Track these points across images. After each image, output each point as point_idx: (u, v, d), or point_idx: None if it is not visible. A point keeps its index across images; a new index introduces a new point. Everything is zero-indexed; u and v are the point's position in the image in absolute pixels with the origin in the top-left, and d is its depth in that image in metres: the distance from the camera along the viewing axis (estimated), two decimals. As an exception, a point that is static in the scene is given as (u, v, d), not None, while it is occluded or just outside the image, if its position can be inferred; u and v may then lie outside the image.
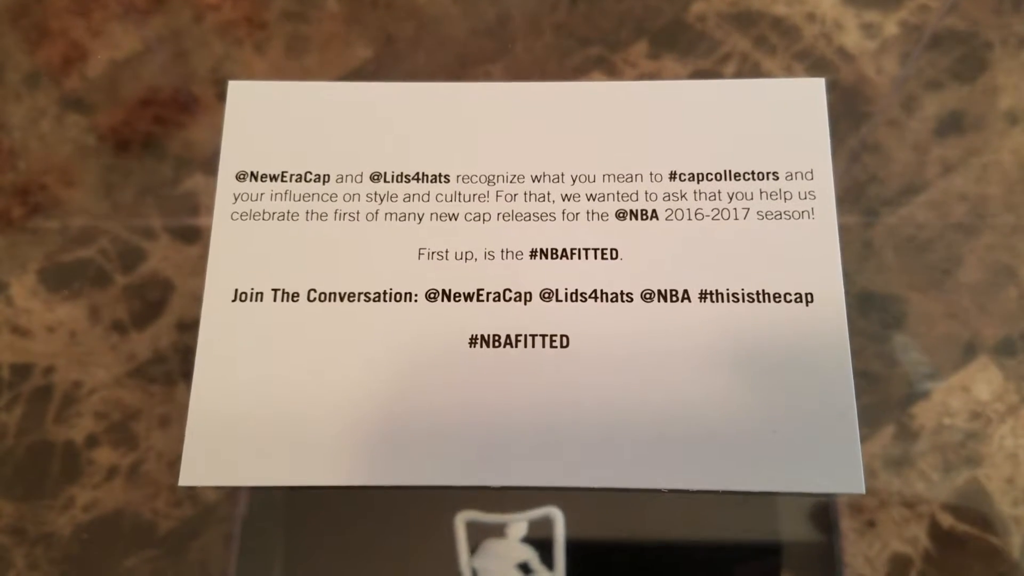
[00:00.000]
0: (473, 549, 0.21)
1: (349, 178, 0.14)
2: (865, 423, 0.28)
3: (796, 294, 0.14)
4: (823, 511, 0.26)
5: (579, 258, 0.13)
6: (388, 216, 0.14)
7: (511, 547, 0.21)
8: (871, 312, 0.29)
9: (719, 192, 0.14)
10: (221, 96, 0.31)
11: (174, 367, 0.29)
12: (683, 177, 0.14)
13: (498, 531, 0.21)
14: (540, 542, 0.21)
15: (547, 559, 0.21)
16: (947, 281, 0.30)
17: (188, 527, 0.28)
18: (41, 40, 0.33)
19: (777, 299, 0.14)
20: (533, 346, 0.13)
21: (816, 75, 0.33)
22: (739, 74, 0.33)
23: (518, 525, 0.21)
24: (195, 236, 0.31)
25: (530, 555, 0.21)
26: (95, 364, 0.29)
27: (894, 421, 0.28)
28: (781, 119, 0.15)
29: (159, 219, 0.31)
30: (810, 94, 0.15)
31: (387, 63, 0.33)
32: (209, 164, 0.31)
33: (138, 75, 0.33)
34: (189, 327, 0.30)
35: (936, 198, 0.31)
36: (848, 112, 0.32)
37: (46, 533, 0.27)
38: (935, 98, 0.32)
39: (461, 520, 0.21)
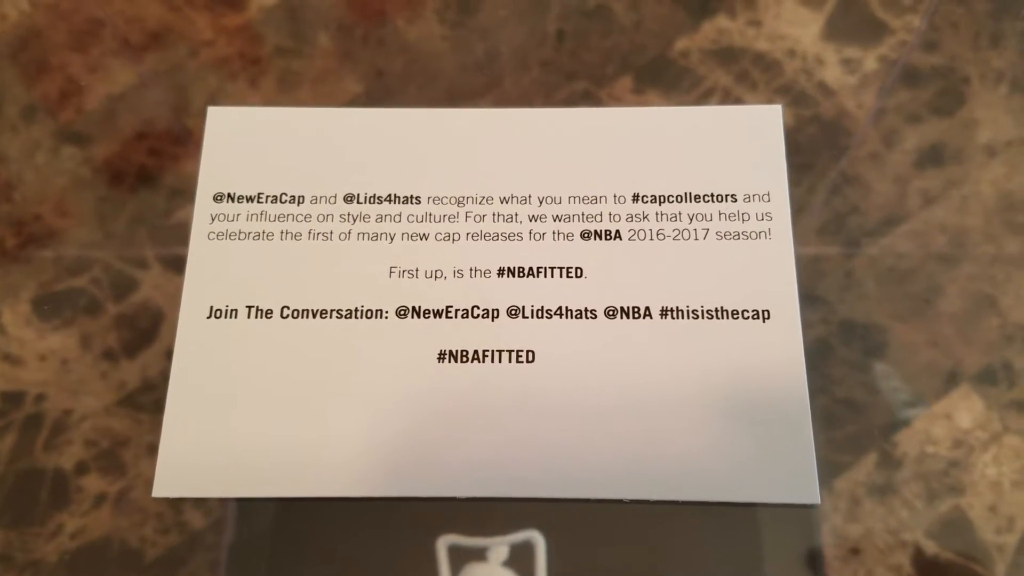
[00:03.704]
0: (455, 574, 0.21)
1: (323, 199, 0.14)
2: (848, 451, 0.28)
3: (753, 311, 0.14)
4: (812, 559, 0.26)
5: (545, 276, 0.14)
6: (360, 236, 0.14)
7: (493, 572, 0.21)
8: (853, 341, 0.29)
9: (680, 213, 0.15)
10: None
11: (163, 395, 0.29)
12: (645, 199, 0.15)
13: (479, 555, 0.21)
14: (522, 566, 0.21)
15: (529, 584, 0.21)
16: (928, 311, 0.30)
17: (175, 554, 0.28)
18: (39, 75, 0.34)
19: (735, 316, 0.14)
20: (500, 361, 0.13)
21: (797, 109, 0.33)
22: (723, 108, 0.33)
23: (499, 549, 0.21)
24: (186, 265, 0.31)
25: (512, 580, 0.21)
26: (85, 392, 0.30)
27: (877, 449, 0.28)
28: (739, 144, 0.15)
29: (151, 249, 0.31)
30: (767, 120, 0.15)
31: (378, 97, 0.33)
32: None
33: (133, 109, 0.33)
34: (179, 356, 0.30)
35: (917, 229, 0.31)
36: (829, 145, 0.32)
37: (33, 560, 0.28)
38: (915, 131, 0.33)
39: (443, 544, 0.21)
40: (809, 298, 0.31)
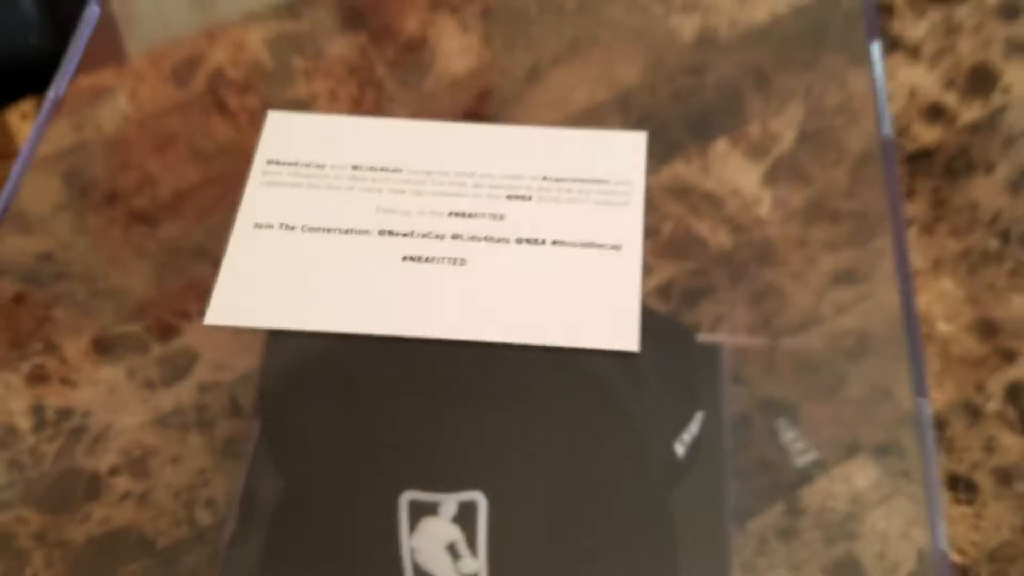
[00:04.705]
0: (412, 526, 0.26)
1: (337, 166, 0.21)
2: (760, 500, 0.33)
3: (611, 244, 0.20)
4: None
5: (478, 218, 0.20)
6: (360, 189, 0.21)
7: (442, 527, 0.26)
8: (770, 413, 0.35)
9: (572, 187, 0.21)
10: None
11: (190, 419, 0.35)
12: (551, 179, 0.21)
13: (432, 510, 0.26)
14: (466, 523, 0.25)
15: (472, 543, 0.26)
16: (835, 395, 0.36)
17: (182, 545, 0.33)
18: (123, 170, 0.42)
19: (599, 247, 0.20)
20: (443, 263, 0.20)
21: (735, 236, 0.40)
22: (675, 232, 0.40)
23: (449, 505, 0.26)
24: (244, 196, 0.38)
25: (457, 537, 0.26)
26: (126, 412, 0.35)
27: (784, 500, 0.33)
28: (616, 151, 0.22)
29: (196, 306, 0.38)
30: (636, 140, 0.23)
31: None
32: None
33: (196, 200, 0.41)
34: (208, 389, 0.36)
35: (829, 331, 0.37)
36: (759, 262, 0.39)
37: (64, 540, 0.32)
38: (831, 257, 0.40)
39: (404, 500, 0.26)
40: (736, 378, 0.37)
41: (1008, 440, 0.35)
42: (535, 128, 0.22)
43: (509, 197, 0.20)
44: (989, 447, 0.34)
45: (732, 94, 0.45)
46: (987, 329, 0.37)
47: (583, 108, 0.45)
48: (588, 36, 0.47)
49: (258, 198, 0.22)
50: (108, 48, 0.41)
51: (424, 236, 0.20)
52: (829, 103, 0.45)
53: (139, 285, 0.39)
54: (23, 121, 0.45)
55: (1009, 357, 0.37)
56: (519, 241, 0.20)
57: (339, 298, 0.19)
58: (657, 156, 0.43)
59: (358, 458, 0.26)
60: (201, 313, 0.38)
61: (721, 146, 0.43)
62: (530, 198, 0.20)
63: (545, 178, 0.21)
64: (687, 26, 0.47)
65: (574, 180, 0.21)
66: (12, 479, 0.34)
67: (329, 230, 0.20)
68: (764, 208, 0.41)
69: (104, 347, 0.37)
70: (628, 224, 0.21)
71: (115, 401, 0.36)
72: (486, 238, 0.20)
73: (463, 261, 0.19)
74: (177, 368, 0.36)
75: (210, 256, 0.40)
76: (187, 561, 0.32)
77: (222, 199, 0.41)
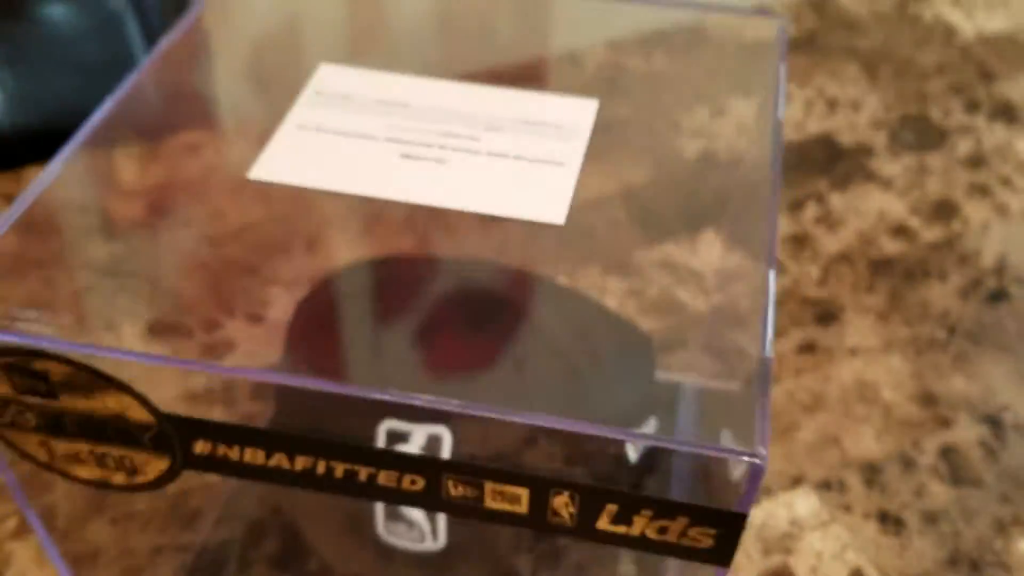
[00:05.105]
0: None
1: (364, 99, 0.28)
2: (707, 509, 0.37)
3: (557, 162, 0.27)
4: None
5: (461, 138, 0.27)
6: (377, 113, 0.28)
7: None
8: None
9: (536, 126, 0.28)
10: (308, 245, 0.46)
11: (216, 396, 0.41)
12: (521, 120, 0.28)
13: (405, 439, 0.30)
14: (431, 453, 0.30)
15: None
16: (788, 438, 0.40)
17: (190, 493, 0.37)
18: (199, 204, 0.49)
19: (548, 162, 0.27)
20: (430, 161, 0.26)
21: (711, 304, 0.46)
22: (659, 296, 0.46)
23: (419, 435, 0.30)
24: (260, 321, 0.44)
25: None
26: (162, 385, 0.41)
27: (729, 511, 0.37)
28: (573, 108, 0.29)
29: (240, 307, 0.44)
30: (587, 105, 0.29)
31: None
32: (287, 282, 0.45)
33: (258, 232, 0.48)
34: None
35: (789, 388, 0.42)
36: (731, 327, 0.44)
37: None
38: (798, 332, 0.45)
39: (383, 428, 0.30)
40: (696, 414, 0.41)
41: (937, 488, 0.38)
42: (517, 90, 0.29)
43: (487, 128, 0.27)
44: (919, 493, 0.38)
45: (723, 200, 0.51)
46: (927, 400, 0.42)
47: (591, 198, 0.52)
48: (603, 146, 0.55)
49: (303, 112, 0.29)
50: (203, 118, 0.50)
51: (418, 144, 0.27)
52: (809, 215, 0.51)
53: (196, 289, 0.45)
54: (126, 159, 0.53)
55: (945, 423, 0.41)
56: (489, 154, 0.26)
57: (352, 171, 0.26)
58: (652, 237, 0.50)
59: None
60: (243, 313, 0.44)
61: (709, 235, 0.49)
62: (503, 129, 0.27)
63: (516, 120, 0.28)
64: (691, 148, 0.55)
65: (538, 123, 0.28)
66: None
67: (350, 134, 0.27)
68: (736, 285, 0.46)
69: (155, 331, 0.43)
70: (572, 151, 0.27)
71: (154, 375, 0.41)
72: (465, 150, 0.26)
73: (444, 161, 0.26)
74: (215, 354, 0.42)
75: (258, 273, 0.46)
76: (191, 503, 0.37)
77: (281, 230, 0.48)
